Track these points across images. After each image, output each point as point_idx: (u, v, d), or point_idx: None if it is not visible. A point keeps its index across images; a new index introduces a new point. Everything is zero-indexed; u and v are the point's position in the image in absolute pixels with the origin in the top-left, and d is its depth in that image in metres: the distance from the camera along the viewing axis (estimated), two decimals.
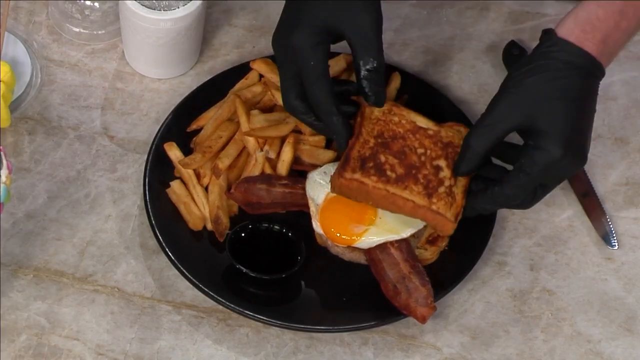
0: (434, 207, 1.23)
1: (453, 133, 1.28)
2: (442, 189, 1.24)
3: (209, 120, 1.35)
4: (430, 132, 1.28)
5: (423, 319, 1.24)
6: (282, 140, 1.33)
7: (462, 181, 1.26)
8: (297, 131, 1.34)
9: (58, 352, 1.24)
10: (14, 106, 1.37)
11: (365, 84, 1.24)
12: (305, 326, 1.25)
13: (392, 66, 1.41)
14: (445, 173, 1.25)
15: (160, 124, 1.37)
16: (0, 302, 1.26)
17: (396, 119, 1.28)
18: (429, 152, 1.26)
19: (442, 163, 1.26)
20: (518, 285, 1.30)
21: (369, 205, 1.25)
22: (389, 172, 1.24)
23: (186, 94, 1.40)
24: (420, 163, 1.26)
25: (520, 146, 1.21)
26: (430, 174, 1.25)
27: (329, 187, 1.26)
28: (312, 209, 1.29)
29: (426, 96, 1.40)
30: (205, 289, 1.25)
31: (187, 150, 1.34)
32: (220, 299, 1.25)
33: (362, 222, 1.27)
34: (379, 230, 1.26)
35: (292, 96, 1.24)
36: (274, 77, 1.37)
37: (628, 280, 1.31)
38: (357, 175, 1.24)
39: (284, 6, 1.26)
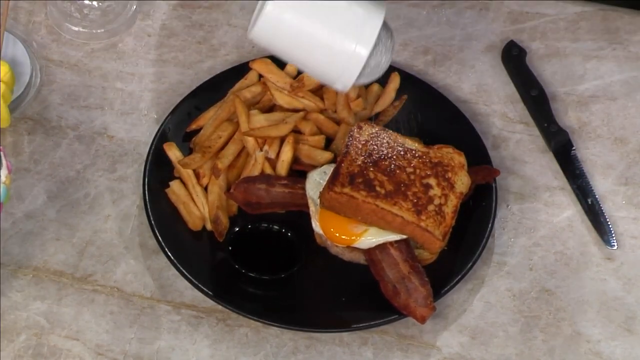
0: (422, 224, 1.24)
1: (442, 154, 1.29)
2: (431, 207, 1.25)
3: (209, 120, 1.35)
4: (419, 153, 1.29)
5: (422, 319, 1.24)
6: (282, 140, 1.33)
7: (452, 201, 1.26)
8: (296, 131, 1.34)
9: (57, 352, 1.24)
10: (13, 106, 1.37)
11: None
12: (305, 326, 1.25)
13: (391, 66, 1.41)
14: (435, 191, 1.26)
15: (160, 124, 1.37)
16: (0, 302, 1.26)
17: (384, 141, 1.29)
18: (418, 171, 1.27)
19: (431, 181, 1.27)
20: (517, 285, 1.30)
21: (357, 220, 1.26)
22: (378, 188, 1.25)
23: (186, 94, 1.40)
24: (410, 181, 1.27)
25: None
26: (419, 192, 1.26)
27: None
28: (312, 209, 1.29)
29: (425, 96, 1.40)
30: (205, 289, 1.25)
31: (186, 150, 1.35)
32: (220, 299, 1.24)
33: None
34: (379, 230, 1.26)
35: None
36: (273, 77, 1.37)
37: (627, 280, 1.31)
38: (347, 190, 1.25)
39: None
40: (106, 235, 1.31)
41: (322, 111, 1.37)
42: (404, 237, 1.27)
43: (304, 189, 1.30)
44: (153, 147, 1.34)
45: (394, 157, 1.28)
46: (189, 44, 1.47)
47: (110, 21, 1.46)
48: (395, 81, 1.40)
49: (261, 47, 1.21)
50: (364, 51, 1.16)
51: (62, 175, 1.35)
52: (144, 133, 1.39)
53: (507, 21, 1.50)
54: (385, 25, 1.18)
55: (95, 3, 1.46)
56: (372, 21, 1.17)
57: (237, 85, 1.39)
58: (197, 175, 1.32)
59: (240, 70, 1.40)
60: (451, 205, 1.27)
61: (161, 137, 1.35)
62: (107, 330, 1.25)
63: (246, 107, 1.34)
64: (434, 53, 1.47)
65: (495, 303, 1.29)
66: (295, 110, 1.36)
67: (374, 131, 1.30)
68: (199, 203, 1.31)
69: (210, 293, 1.25)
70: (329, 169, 1.30)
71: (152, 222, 1.29)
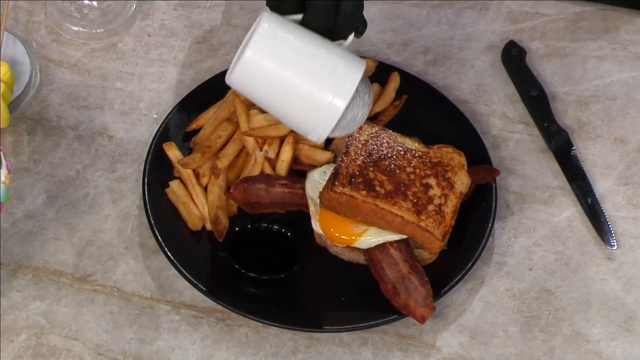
0: (422, 224, 1.24)
1: (442, 154, 1.29)
2: (431, 207, 1.25)
3: (208, 120, 1.35)
4: (419, 153, 1.29)
5: (422, 319, 1.24)
6: (282, 140, 1.33)
7: (452, 201, 1.26)
8: None
9: (57, 352, 1.24)
10: (13, 106, 1.37)
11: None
12: (305, 326, 1.25)
13: (391, 66, 1.41)
14: (435, 191, 1.26)
15: (160, 124, 1.37)
16: (0, 302, 1.26)
17: (384, 141, 1.29)
18: (417, 170, 1.27)
19: (431, 181, 1.27)
20: (517, 285, 1.30)
21: (357, 220, 1.26)
22: (378, 188, 1.26)
23: (185, 93, 1.40)
24: (410, 181, 1.27)
25: None
26: (419, 192, 1.26)
27: None
28: (312, 209, 1.29)
29: (425, 96, 1.40)
30: (204, 289, 1.25)
31: (186, 150, 1.35)
32: (219, 299, 1.24)
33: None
34: (378, 230, 1.26)
35: None
36: None
37: (627, 280, 1.31)
38: (347, 189, 1.25)
39: None
40: (106, 235, 1.31)
41: None
42: (404, 237, 1.27)
43: (303, 188, 1.30)
44: (153, 147, 1.34)
45: (394, 157, 1.28)
46: (188, 44, 1.47)
47: (110, 21, 1.46)
48: (395, 81, 1.40)
49: (238, 91, 1.20)
50: (341, 103, 1.16)
51: (62, 175, 1.35)
52: (144, 133, 1.39)
53: (507, 21, 1.50)
54: (364, 80, 1.18)
55: (95, 3, 1.46)
56: (351, 74, 1.16)
57: None
58: (197, 175, 1.32)
59: None
60: (451, 205, 1.27)
61: (161, 137, 1.35)
62: (106, 330, 1.25)
63: (246, 107, 1.34)
64: (433, 53, 1.47)
65: (495, 303, 1.29)
66: None
67: (373, 131, 1.30)
68: (199, 203, 1.31)
69: (210, 293, 1.25)
70: (329, 168, 1.30)
71: (152, 222, 1.29)
